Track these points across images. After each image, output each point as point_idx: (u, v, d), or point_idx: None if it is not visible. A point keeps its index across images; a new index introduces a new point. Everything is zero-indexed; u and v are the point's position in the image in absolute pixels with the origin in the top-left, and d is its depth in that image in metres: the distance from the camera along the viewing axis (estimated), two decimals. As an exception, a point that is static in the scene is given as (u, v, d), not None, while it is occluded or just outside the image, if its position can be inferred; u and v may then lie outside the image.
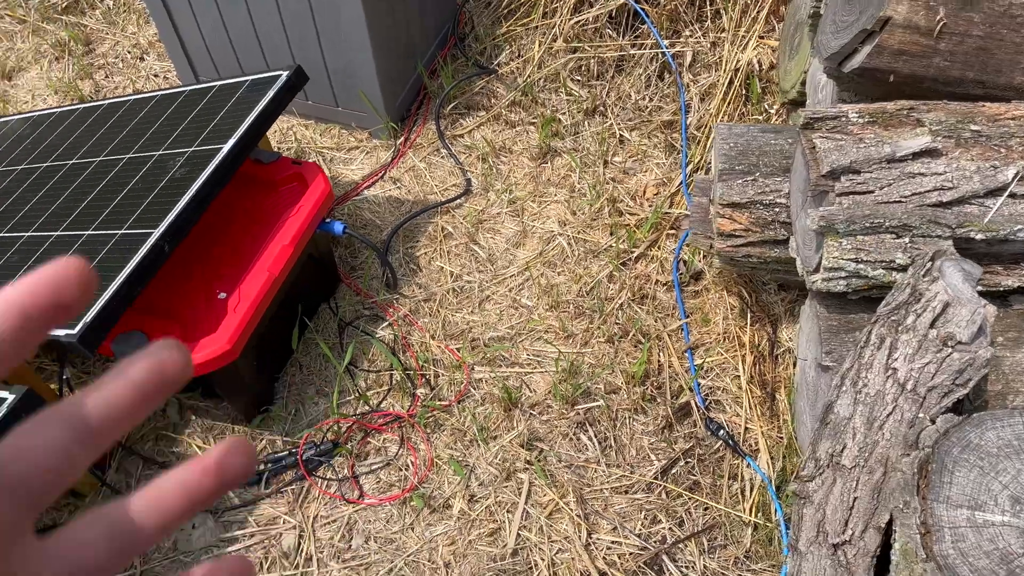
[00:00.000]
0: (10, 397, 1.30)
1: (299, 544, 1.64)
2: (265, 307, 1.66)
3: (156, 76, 2.63)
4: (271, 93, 1.73)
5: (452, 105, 2.45)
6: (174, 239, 1.51)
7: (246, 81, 1.84)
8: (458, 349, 1.92)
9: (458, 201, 2.25)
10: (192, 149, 1.70)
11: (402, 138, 2.40)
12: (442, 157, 2.36)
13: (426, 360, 1.90)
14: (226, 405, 1.85)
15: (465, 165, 2.33)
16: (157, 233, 1.50)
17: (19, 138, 2.17)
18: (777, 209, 1.47)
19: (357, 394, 1.85)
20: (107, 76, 2.64)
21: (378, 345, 1.91)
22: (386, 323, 1.98)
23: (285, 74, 1.76)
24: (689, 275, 1.98)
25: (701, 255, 2.00)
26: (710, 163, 2.14)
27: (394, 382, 1.87)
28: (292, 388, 1.89)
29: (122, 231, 1.56)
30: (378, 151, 2.39)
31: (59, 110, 2.20)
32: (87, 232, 1.62)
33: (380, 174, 2.33)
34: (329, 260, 2.00)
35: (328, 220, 1.87)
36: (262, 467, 1.75)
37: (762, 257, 1.52)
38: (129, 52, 2.70)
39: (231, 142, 1.64)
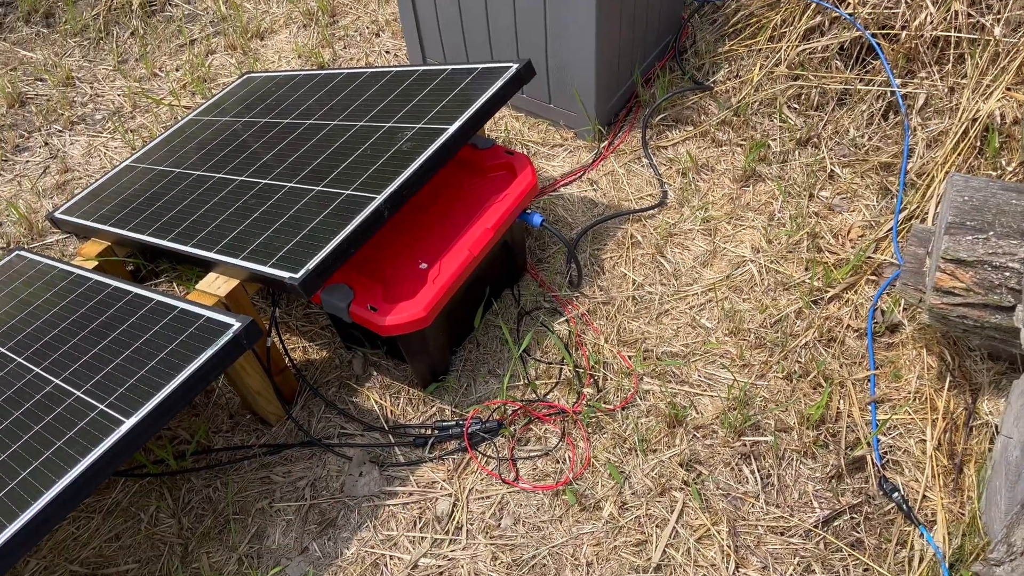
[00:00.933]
0: (236, 324, 1.45)
1: (452, 512, 1.71)
2: (460, 283, 1.75)
3: (387, 52, 2.81)
4: (499, 83, 1.81)
5: (661, 116, 2.46)
6: (393, 206, 1.62)
7: (476, 68, 1.93)
8: (630, 357, 1.93)
9: (652, 211, 2.25)
10: (420, 125, 1.81)
11: (606, 142, 2.43)
12: (642, 166, 2.37)
13: (597, 361, 1.93)
14: (407, 367, 1.96)
15: (664, 177, 2.33)
16: (380, 199, 1.61)
17: (264, 94, 2.40)
18: (1007, 273, 1.37)
19: (527, 381, 1.91)
20: (345, 47, 2.86)
21: (554, 338, 1.96)
22: (563, 318, 2.03)
23: (515, 67, 1.84)
24: (885, 325, 1.89)
25: (901, 307, 1.90)
26: (927, 212, 2.02)
27: (563, 376, 1.91)
28: (467, 363, 1.98)
29: (348, 191, 1.70)
30: (581, 151, 2.44)
31: (303, 72, 2.41)
32: (317, 188, 1.77)
33: (579, 174, 2.38)
34: (520, 248, 2.07)
35: (529, 211, 1.94)
36: (429, 432, 1.84)
37: (979, 321, 1.43)
38: (367, 27, 2.90)
39: (457, 124, 1.74)
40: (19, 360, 1.65)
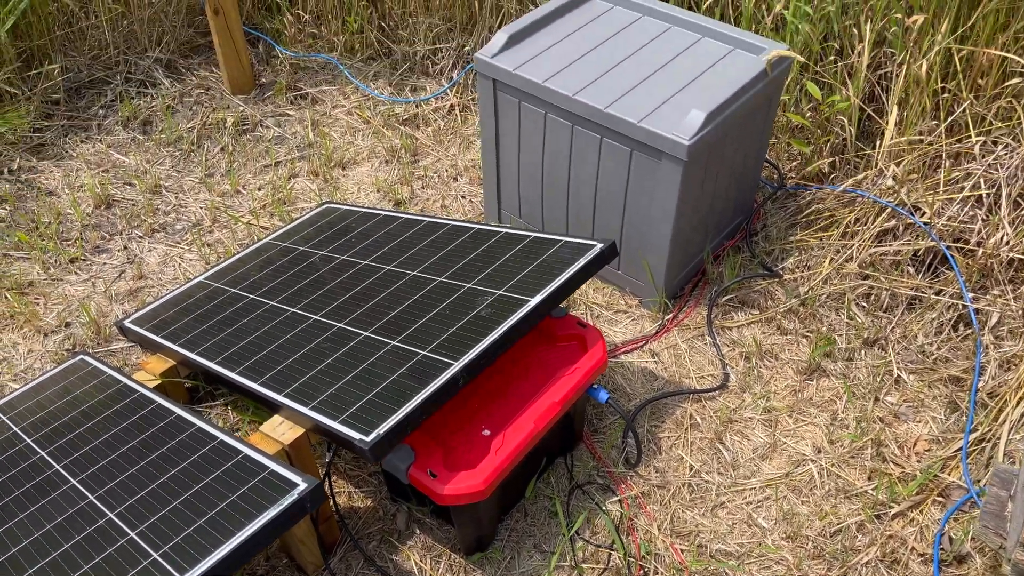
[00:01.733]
0: (302, 485, 1.43)
1: None
2: (522, 456, 1.73)
3: (463, 198, 2.90)
4: (582, 261, 1.84)
5: (728, 296, 2.47)
6: (469, 375, 1.62)
7: (560, 241, 1.98)
8: (683, 551, 1.87)
9: (712, 393, 2.23)
10: (500, 292, 1.83)
11: (671, 315, 2.45)
12: (705, 344, 2.37)
13: (648, 552, 1.86)
14: (451, 529, 1.91)
15: (727, 359, 2.33)
16: (457, 367, 1.61)
17: (343, 228, 2.47)
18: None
19: (573, 563, 1.84)
20: (423, 187, 2.95)
21: (607, 522, 1.90)
22: (616, 498, 1.98)
23: (600, 246, 1.88)
24: (952, 555, 1.81)
25: (970, 537, 1.83)
26: (999, 437, 1.98)
27: (612, 563, 1.85)
28: (513, 533, 1.92)
29: (424, 352, 1.71)
30: (644, 320, 2.45)
31: (383, 212, 2.48)
32: (392, 342, 1.79)
33: (641, 343, 2.38)
34: (580, 419, 2.04)
35: (596, 386, 1.93)
36: (468, 605, 1.77)
37: (1066, 583, 1.36)
38: (446, 170, 3.00)
39: (538, 298, 1.76)
40: (73, 482, 1.64)
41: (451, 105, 3.26)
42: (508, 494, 1.90)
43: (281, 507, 1.38)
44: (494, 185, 2.64)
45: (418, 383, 1.61)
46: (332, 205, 2.69)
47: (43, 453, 1.80)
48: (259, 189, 2.91)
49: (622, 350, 2.37)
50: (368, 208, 2.56)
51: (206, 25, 3.49)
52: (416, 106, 3.27)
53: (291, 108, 3.30)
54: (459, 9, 3.26)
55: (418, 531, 1.93)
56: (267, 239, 2.57)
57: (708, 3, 2.87)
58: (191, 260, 2.65)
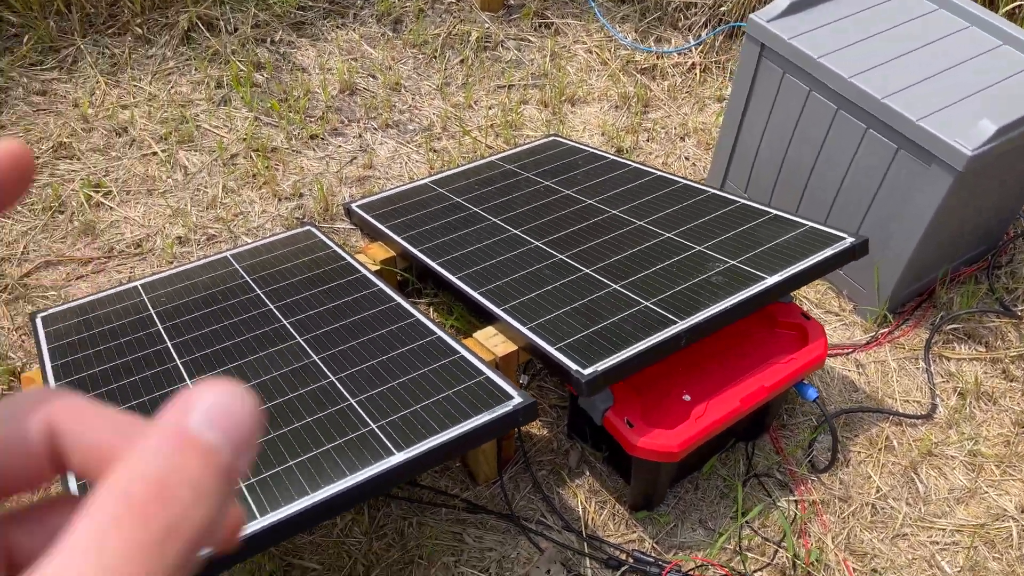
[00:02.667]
0: (518, 399, 1.46)
1: (626, 652, 1.64)
2: (719, 431, 1.69)
3: (687, 159, 2.83)
4: (829, 252, 1.75)
5: (953, 325, 2.30)
6: (691, 337, 1.59)
7: (804, 225, 1.89)
8: (855, 570, 1.79)
9: (916, 421, 2.10)
10: (733, 263, 1.78)
11: (886, 329, 2.30)
12: (917, 368, 2.22)
13: (818, 559, 1.80)
14: (622, 481, 1.91)
15: (938, 389, 2.17)
16: (682, 326, 1.59)
17: (569, 164, 2.47)
18: None
19: (737, 549, 1.81)
20: (648, 140, 2.90)
21: (780, 518, 1.85)
22: (792, 498, 1.91)
23: (850, 240, 1.77)
24: None
25: None
26: None
27: (777, 559, 1.79)
28: (680, 502, 1.90)
29: (647, 303, 1.69)
30: (855, 328, 2.32)
31: (611, 156, 2.46)
32: (614, 285, 1.78)
33: (846, 351, 2.26)
34: (775, 410, 1.98)
35: (806, 382, 1.85)
36: (624, 558, 1.78)
37: None
38: (675, 128, 2.93)
39: (776, 278, 1.69)
40: (299, 340, 1.76)
41: (693, 63, 3.16)
42: (688, 463, 1.88)
43: (495, 415, 1.42)
44: (727, 154, 2.55)
45: (639, 332, 1.60)
46: (559, 139, 2.70)
47: (272, 306, 1.94)
48: (490, 108, 2.96)
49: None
50: (594, 149, 2.55)
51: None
52: (657, 57, 3.19)
53: (533, 35, 3.30)
54: (726, -34, 3.12)
55: (587, 473, 1.94)
56: (492, 158, 2.61)
57: (1010, 7, 2.60)
58: (417, 161, 2.74)
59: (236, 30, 3.06)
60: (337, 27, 3.22)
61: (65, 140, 2.66)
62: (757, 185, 2.49)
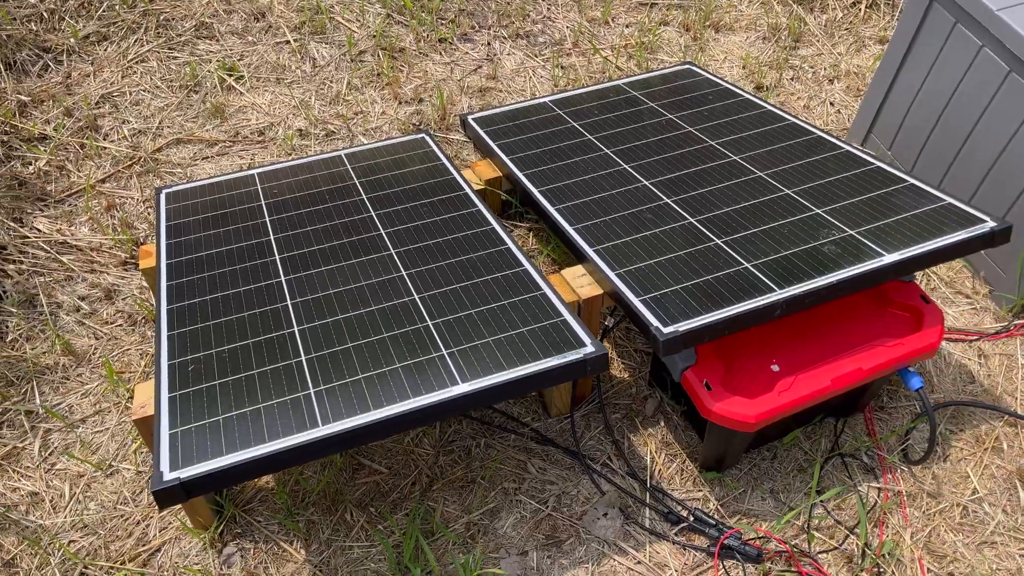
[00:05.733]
0: (589, 348, 1.43)
1: (669, 608, 1.64)
2: (803, 408, 1.61)
3: (831, 105, 2.60)
4: (963, 235, 1.58)
5: (1103, 328, 2.06)
6: (788, 308, 1.50)
7: (943, 200, 1.71)
8: (929, 571, 1.69)
9: (1034, 426, 1.92)
10: (852, 232, 1.64)
11: (1021, 321, 2.09)
12: (1049, 369, 2.01)
13: (889, 553, 1.71)
14: (696, 437, 1.87)
15: (1069, 396, 1.97)
16: (779, 296, 1.49)
17: (699, 98, 2.32)
18: None
19: (805, 527, 1.74)
20: (793, 79, 2.68)
21: (859, 504, 1.76)
22: (876, 485, 1.81)
23: (991, 225, 1.59)
24: None
25: None
26: None
27: (846, 545, 1.72)
28: (753, 468, 1.84)
29: (748, 264, 1.59)
30: (986, 315, 2.12)
31: (745, 95, 2.29)
32: (717, 240, 1.68)
33: (972, 337, 2.07)
34: (873, 391, 1.85)
35: (911, 369, 1.72)
36: (685, 514, 1.75)
37: None
38: (825, 69, 2.69)
39: (896, 256, 1.55)
40: (392, 252, 1.78)
41: (859, -4, 2.87)
42: (768, 430, 1.80)
43: (563, 360, 1.40)
44: (876, 104, 2.32)
45: (733, 294, 1.51)
46: (693, 68, 2.53)
47: (372, 213, 1.96)
48: (627, 27, 2.81)
49: (946, 335, 2.08)
50: (730, 84, 2.38)
51: None
52: (819, -14, 2.91)
53: (686, -51, 3.08)
54: None
55: (662, 423, 1.91)
56: (619, 82, 2.49)
57: None
58: (542, 77, 2.65)
59: (380, -80, 3.01)
60: (482, -75, 3.10)
61: (207, 20, 2.74)
62: (903, 146, 2.27)
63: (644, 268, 1.62)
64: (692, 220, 1.76)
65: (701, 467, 1.83)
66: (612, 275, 1.61)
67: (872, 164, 1.88)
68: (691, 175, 1.94)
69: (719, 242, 1.67)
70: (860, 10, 2.84)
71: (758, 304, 1.48)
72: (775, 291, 1.50)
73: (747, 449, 1.85)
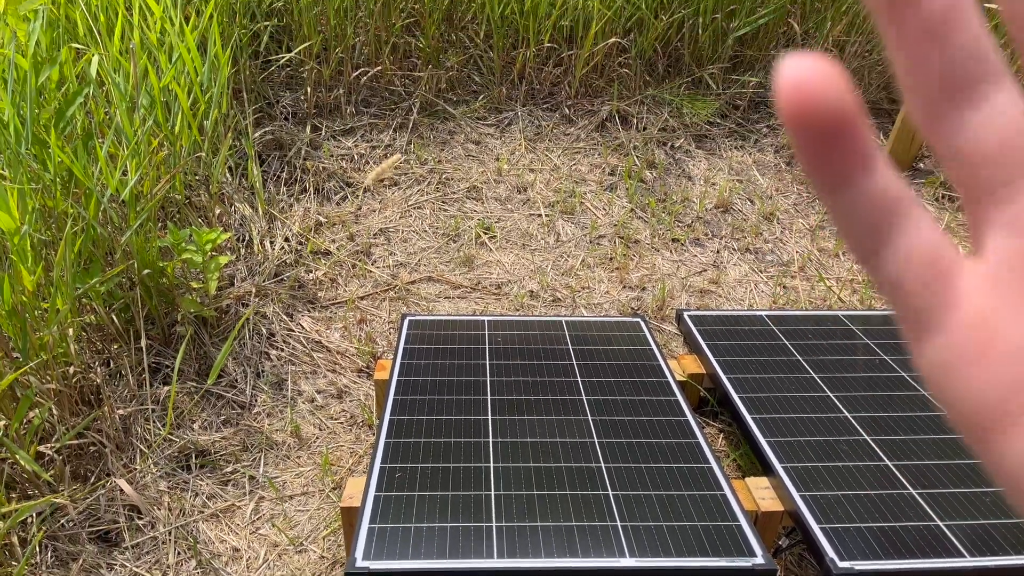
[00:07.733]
0: (759, 559, 1.46)
1: None
2: None
3: None
4: None
5: None
6: (976, 579, 1.45)
7: None
8: None
9: None
10: (1064, 520, 1.56)
11: None
12: None
13: None
14: None
15: None
16: (970, 563, 1.45)
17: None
18: None
19: None
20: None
21: None
22: None
23: None
24: None
25: None
26: None
27: None
28: None
29: (941, 523, 1.56)
30: None
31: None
32: (912, 491, 1.67)
33: None
34: None
35: None
36: None
37: None
38: None
39: (1110, 558, 1.46)
40: (588, 418, 1.93)
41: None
42: None
43: (731, 564, 1.44)
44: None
45: (919, 548, 1.49)
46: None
47: (579, 379, 2.14)
48: (857, 263, 2.89)
49: None
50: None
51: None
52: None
53: (932, 205, 3.15)
54: None
55: None
56: (839, 312, 2.55)
57: None
58: (763, 292, 2.78)
59: (644, 129, 3.39)
60: (735, 147, 3.39)
61: (478, 185, 3.18)
62: None
63: (830, 498, 1.64)
64: (889, 463, 1.76)
65: None
66: (797, 495, 1.65)
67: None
68: (897, 419, 1.94)
69: (914, 492, 1.66)
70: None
71: (943, 565, 1.44)
72: (964, 557, 1.46)
73: None
